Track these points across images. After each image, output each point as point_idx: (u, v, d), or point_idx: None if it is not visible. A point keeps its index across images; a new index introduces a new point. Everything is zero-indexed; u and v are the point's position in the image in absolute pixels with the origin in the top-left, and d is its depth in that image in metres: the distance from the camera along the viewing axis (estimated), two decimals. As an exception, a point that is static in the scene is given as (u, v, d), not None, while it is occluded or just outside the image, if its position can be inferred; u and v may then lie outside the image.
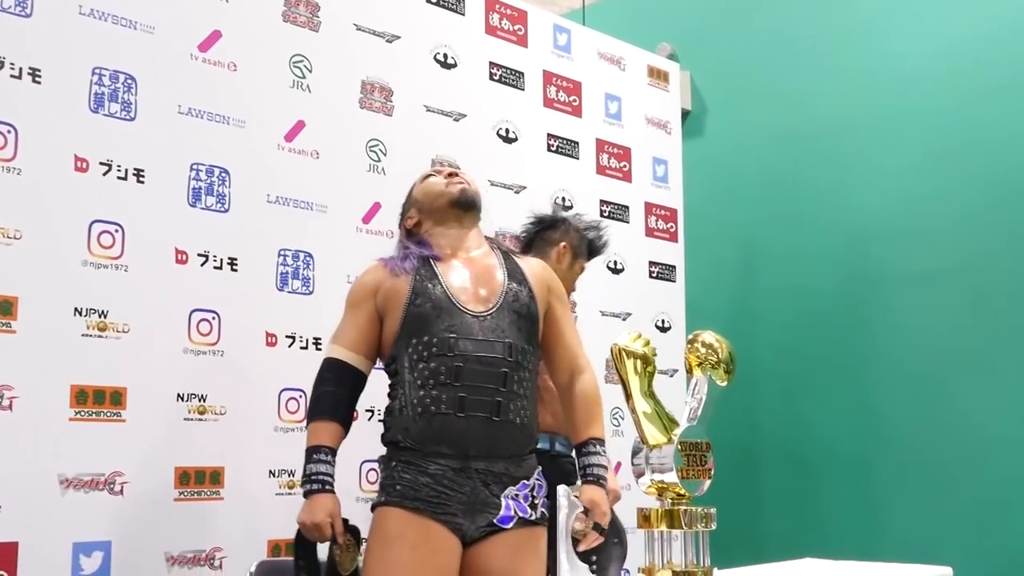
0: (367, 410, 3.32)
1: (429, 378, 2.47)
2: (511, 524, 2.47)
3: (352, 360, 2.58)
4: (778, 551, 4.01)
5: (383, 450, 2.61)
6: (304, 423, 3.32)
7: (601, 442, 2.63)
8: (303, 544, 2.50)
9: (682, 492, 1.97)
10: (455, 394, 2.45)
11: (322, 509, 2.45)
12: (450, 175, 2.75)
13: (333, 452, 2.52)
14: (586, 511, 2.52)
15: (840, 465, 4.85)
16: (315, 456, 2.50)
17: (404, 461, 2.49)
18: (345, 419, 2.57)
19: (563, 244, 3.49)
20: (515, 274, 2.65)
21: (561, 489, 2.17)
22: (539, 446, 3.08)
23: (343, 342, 2.61)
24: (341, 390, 2.58)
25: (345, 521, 2.49)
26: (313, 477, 2.48)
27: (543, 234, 3.52)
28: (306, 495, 2.48)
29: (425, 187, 2.75)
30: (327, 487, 2.48)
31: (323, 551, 2.52)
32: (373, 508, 2.53)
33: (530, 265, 2.73)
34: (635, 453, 2.03)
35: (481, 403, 2.46)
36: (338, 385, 2.58)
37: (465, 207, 2.70)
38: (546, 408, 3.17)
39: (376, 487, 2.58)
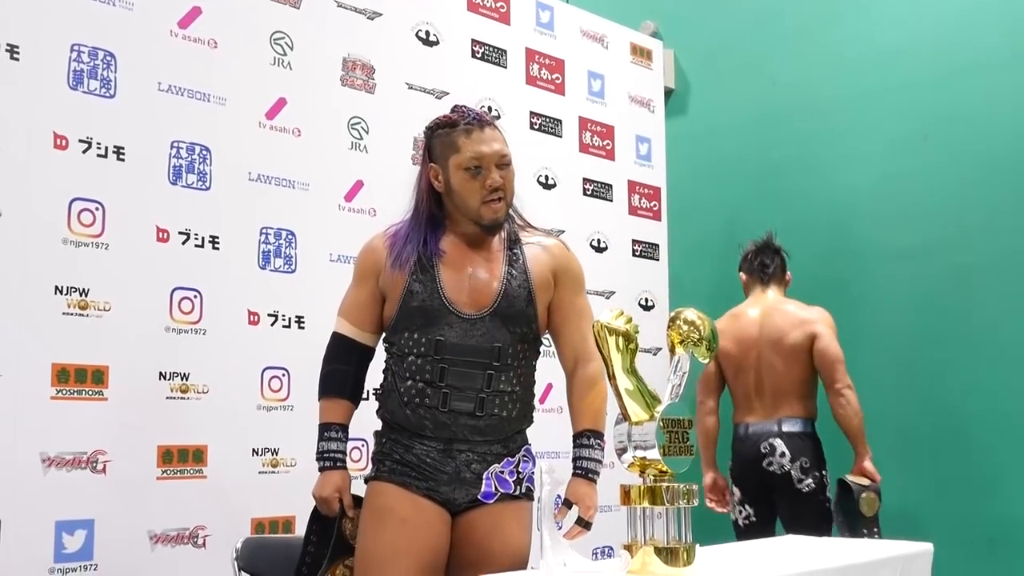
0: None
1: (416, 373, 2.49)
2: (493, 500, 2.50)
3: (358, 336, 2.62)
4: (760, 527, 4.02)
5: (363, 430, 2.67)
6: (288, 401, 3.45)
7: (598, 435, 2.57)
8: (317, 518, 2.59)
9: (664, 469, 1.96)
10: (439, 391, 2.47)
11: (331, 485, 2.54)
12: (493, 189, 2.53)
13: (344, 429, 2.60)
14: (569, 503, 2.52)
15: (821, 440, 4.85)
16: (326, 434, 2.58)
17: (393, 439, 2.54)
18: (354, 395, 2.63)
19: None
20: (517, 270, 2.58)
21: (543, 465, 2.14)
22: (792, 429, 3.95)
23: (350, 317, 2.63)
24: (349, 367, 2.62)
25: (356, 496, 2.57)
26: (325, 455, 2.57)
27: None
28: (319, 471, 2.57)
29: (463, 185, 2.53)
30: (338, 464, 2.56)
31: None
32: (366, 481, 2.58)
33: (537, 254, 2.62)
34: (617, 426, 2.03)
35: (465, 399, 2.48)
36: (346, 362, 2.62)
37: (490, 233, 2.59)
38: (796, 397, 4.00)
39: (358, 465, 2.61)
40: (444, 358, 2.47)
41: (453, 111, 2.62)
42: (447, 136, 2.56)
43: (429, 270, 2.52)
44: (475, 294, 2.52)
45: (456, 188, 2.54)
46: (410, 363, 2.51)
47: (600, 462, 2.56)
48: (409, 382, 2.50)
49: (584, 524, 2.52)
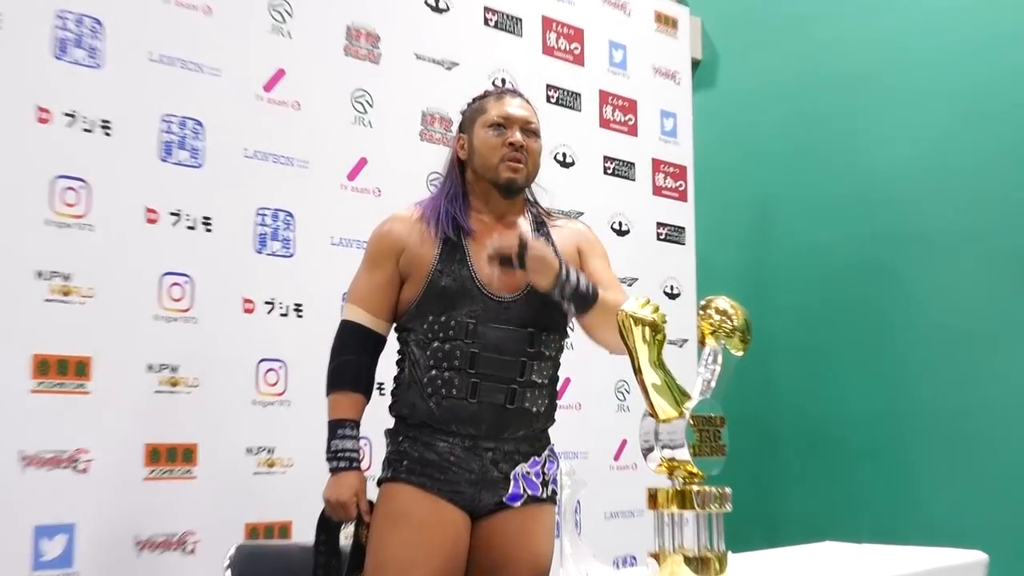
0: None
1: (443, 360, 2.46)
2: (519, 503, 2.49)
3: (371, 324, 2.56)
4: (797, 534, 3.89)
5: (367, 428, 2.56)
6: (285, 396, 3.38)
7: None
8: (325, 523, 2.53)
9: (694, 471, 1.88)
10: (468, 380, 2.44)
11: (348, 487, 2.46)
12: (514, 148, 2.54)
13: (357, 425, 2.53)
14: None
15: (864, 440, 4.77)
16: (339, 431, 2.50)
17: (411, 437, 2.49)
18: (367, 389, 2.56)
19: None
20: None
21: (564, 466, 2.11)
22: None
23: (362, 304, 2.56)
24: (362, 357, 2.56)
25: (371, 501, 2.51)
26: (339, 454, 2.49)
27: None
28: (331, 472, 2.49)
29: (485, 141, 2.55)
30: (353, 464, 2.49)
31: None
32: (379, 483, 2.53)
33: (564, 235, 2.66)
34: (643, 423, 1.94)
35: (495, 390, 2.46)
36: (359, 353, 2.56)
37: (507, 195, 2.58)
38: None
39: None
40: (475, 343, 2.44)
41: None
42: (478, 105, 2.65)
43: (458, 249, 2.49)
44: (507, 275, 2.47)
45: (478, 146, 2.58)
46: (435, 349, 2.45)
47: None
48: (434, 371, 2.45)
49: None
